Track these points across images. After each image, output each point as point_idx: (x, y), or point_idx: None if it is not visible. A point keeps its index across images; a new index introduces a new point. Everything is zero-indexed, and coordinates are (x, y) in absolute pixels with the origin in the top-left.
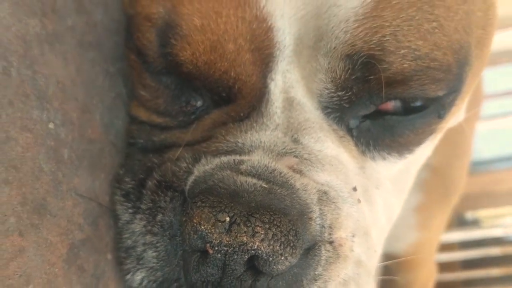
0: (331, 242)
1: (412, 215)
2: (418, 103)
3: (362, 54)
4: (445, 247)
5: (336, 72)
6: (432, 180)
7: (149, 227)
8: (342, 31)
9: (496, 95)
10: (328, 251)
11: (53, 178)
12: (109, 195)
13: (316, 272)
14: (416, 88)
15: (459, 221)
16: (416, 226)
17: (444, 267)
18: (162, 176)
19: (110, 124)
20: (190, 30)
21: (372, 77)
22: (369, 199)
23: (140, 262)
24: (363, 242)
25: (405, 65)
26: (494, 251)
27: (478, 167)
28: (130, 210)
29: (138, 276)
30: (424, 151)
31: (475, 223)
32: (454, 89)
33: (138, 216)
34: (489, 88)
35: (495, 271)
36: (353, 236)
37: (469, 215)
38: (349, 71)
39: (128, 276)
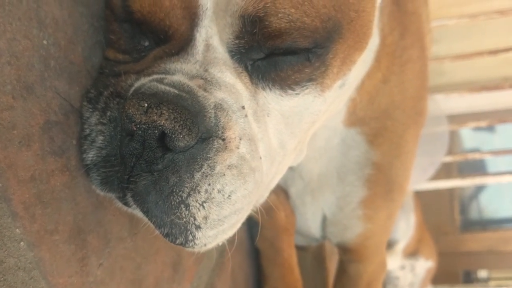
0: (223, 139)
1: (359, 207)
2: (295, 50)
3: (251, 15)
4: None
5: (234, 26)
6: (376, 176)
7: (101, 120)
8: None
9: (506, 151)
10: (220, 144)
11: (41, 74)
12: (79, 102)
13: (208, 155)
14: (289, 41)
15: (466, 278)
16: (362, 217)
17: None
18: (114, 89)
19: (89, 58)
20: None
21: (256, 31)
22: (258, 119)
23: (92, 144)
24: (248, 145)
25: (281, 25)
26: None
27: (489, 225)
28: (90, 110)
29: (90, 154)
30: (314, 103)
31: (483, 282)
32: (321, 46)
33: (95, 113)
34: (499, 145)
35: None
36: (240, 138)
37: (481, 273)
38: (242, 26)
39: (84, 155)
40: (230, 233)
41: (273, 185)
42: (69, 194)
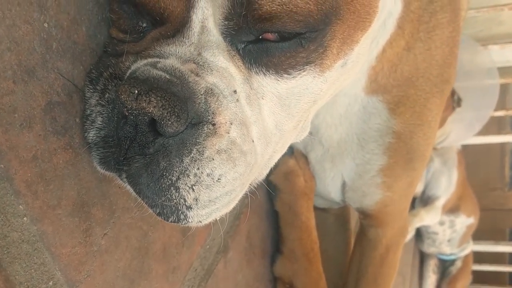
0: (213, 124)
1: (378, 175)
2: (286, 35)
3: None
4: (495, 259)
5: (224, 7)
6: (396, 145)
7: (100, 101)
8: None
9: None
10: (209, 129)
11: (42, 57)
12: (83, 81)
13: (198, 140)
14: (279, 25)
15: None
16: (381, 185)
17: (493, 279)
18: (113, 70)
19: (94, 36)
20: None
21: (245, 13)
22: (251, 103)
23: (93, 124)
24: (239, 130)
25: (273, 8)
26: None
27: None
28: (91, 90)
29: (91, 134)
30: (313, 83)
31: None
32: (315, 29)
33: (95, 94)
34: None
35: None
36: (231, 123)
37: None
38: (231, 7)
39: (86, 134)
40: (226, 210)
41: (272, 163)
42: (72, 171)
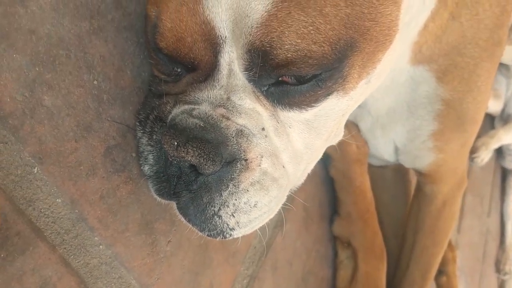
0: (245, 160)
1: (429, 140)
2: (301, 79)
3: (258, 49)
4: None
5: (244, 60)
6: (445, 111)
7: (149, 142)
8: (248, 34)
9: None
10: (242, 165)
11: (96, 111)
12: (134, 119)
13: (233, 176)
14: (294, 70)
15: None
16: (433, 149)
17: None
18: (158, 113)
19: (138, 76)
20: (164, 30)
21: (263, 64)
22: (279, 134)
23: (146, 160)
24: (270, 160)
25: (288, 56)
26: None
27: None
28: (141, 131)
29: (146, 168)
30: (339, 103)
31: None
32: (329, 68)
33: (145, 135)
34: None
35: None
36: (261, 156)
37: None
38: (250, 60)
39: (141, 167)
40: (266, 220)
41: (309, 170)
42: (134, 198)
